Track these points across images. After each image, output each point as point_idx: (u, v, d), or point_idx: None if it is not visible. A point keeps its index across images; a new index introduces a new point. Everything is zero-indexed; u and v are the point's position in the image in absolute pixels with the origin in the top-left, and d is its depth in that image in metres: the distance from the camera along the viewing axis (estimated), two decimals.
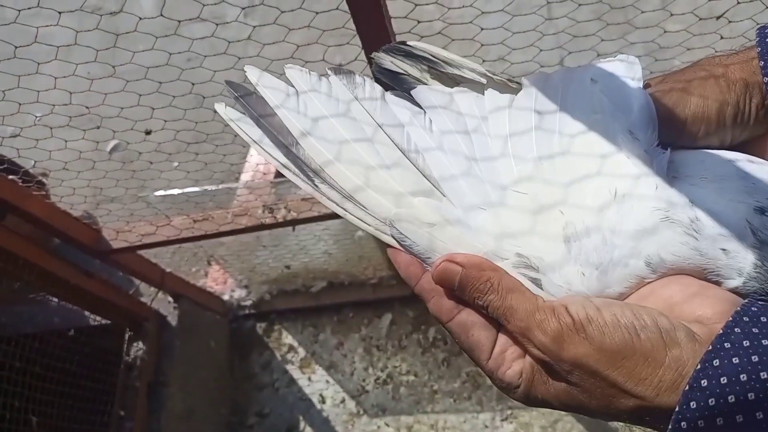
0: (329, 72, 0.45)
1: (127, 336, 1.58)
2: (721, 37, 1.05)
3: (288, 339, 1.89)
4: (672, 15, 0.98)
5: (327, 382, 1.82)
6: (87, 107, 0.96)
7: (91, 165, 1.16)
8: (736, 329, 0.30)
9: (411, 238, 0.40)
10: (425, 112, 0.43)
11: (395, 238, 0.40)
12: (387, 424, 1.73)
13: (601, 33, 1.20)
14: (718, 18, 1.01)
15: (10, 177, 1.06)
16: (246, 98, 0.44)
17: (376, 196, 0.41)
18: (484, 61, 1.08)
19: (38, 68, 0.86)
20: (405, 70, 0.47)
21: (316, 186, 0.42)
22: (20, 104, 0.93)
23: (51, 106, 0.96)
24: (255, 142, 0.43)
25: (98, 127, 1.03)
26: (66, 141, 1.04)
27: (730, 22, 0.99)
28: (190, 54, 0.94)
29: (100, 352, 1.54)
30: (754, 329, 0.30)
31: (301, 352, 1.87)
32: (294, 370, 1.85)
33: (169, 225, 1.29)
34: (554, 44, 1.37)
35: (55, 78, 0.88)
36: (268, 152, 0.43)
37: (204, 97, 1.02)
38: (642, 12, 1.05)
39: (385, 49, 0.48)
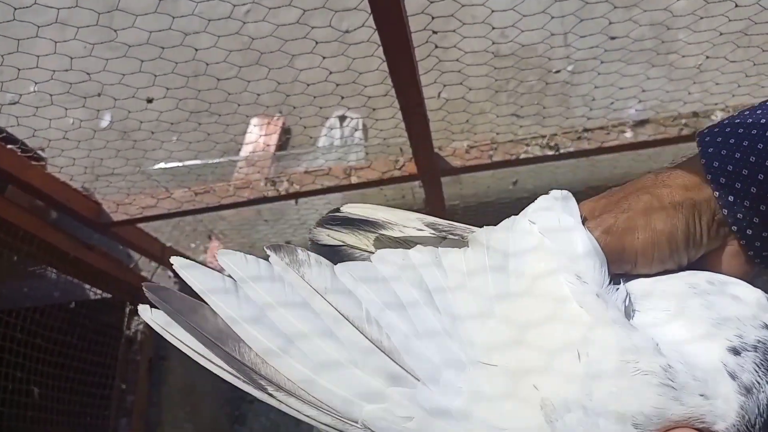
0: (268, 251, 0.40)
1: (127, 310, 1.58)
2: (729, 20, 1.04)
3: None
4: None
5: None
6: (88, 73, 0.94)
7: (91, 134, 1.14)
8: None
9: None
10: (383, 280, 0.39)
11: None
12: None
13: (609, 15, 1.18)
14: None
15: (9, 146, 1.04)
16: (170, 300, 0.39)
17: (343, 393, 0.36)
18: (493, 43, 1.06)
19: (38, 31, 0.84)
20: (343, 241, 0.43)
21: (271, 394, 0.37)
22: (19, 69, 0.91)
23: (51, 72, 0.94)
24: (193, 351, 0.38)
25: (99, 95, 1.01)
26: (66, 109, 1.02)
27: (737, 6, 0.98)
28: (192, 19, 0.92)
29: (101, 325, 1.54)
30: None
31: None
32: None
33: (170, 197, 1.27)
34: (561, 29, 1.35)
35: (56, 42, 0.86)
36: (205, 357, 0.38)
37: (207, 64, 1.01)
38: None
39: (320, 222, 0.45)
